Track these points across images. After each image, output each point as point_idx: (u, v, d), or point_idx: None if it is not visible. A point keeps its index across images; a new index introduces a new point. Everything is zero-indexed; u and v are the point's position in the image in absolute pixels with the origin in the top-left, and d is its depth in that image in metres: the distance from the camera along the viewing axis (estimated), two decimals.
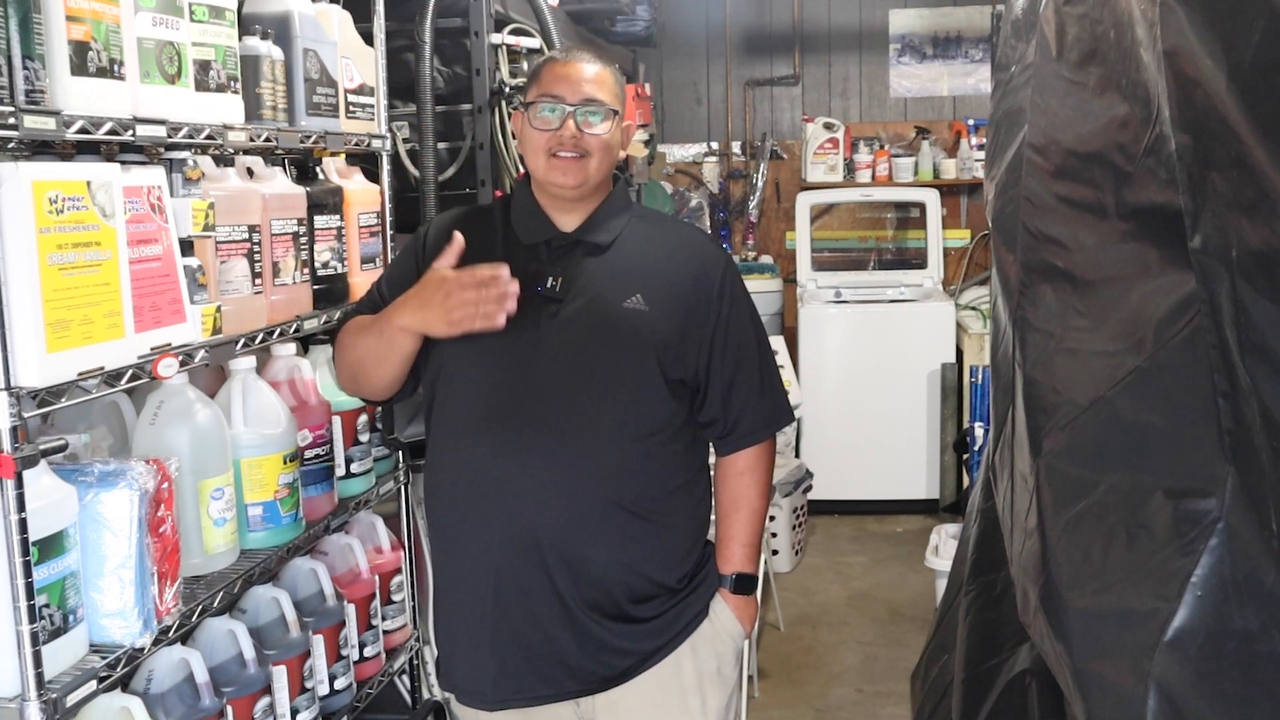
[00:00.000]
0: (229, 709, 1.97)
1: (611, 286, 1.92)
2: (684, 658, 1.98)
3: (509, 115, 2.97)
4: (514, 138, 2.29)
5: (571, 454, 1.87)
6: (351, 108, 2.49)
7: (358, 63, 2.52)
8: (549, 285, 1.90)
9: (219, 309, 1.97)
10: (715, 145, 6.51)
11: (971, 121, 6.22)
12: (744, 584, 2.04)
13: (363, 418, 2.53)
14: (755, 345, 2.02)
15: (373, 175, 2.68)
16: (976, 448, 5.01)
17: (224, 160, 2.16)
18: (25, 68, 1.55)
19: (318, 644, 2.31)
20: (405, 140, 3.01)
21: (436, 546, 2.02)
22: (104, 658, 1.69)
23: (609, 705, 1.96)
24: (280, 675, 2.15)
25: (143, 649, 1.76)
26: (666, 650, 1.97)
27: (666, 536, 1.96)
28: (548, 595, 1.89)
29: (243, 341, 2.07)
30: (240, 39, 2.08)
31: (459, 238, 1.91)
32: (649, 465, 1.92)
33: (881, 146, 6.29)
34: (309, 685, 2.23)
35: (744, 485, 2.04)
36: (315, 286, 2.36)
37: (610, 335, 1.90)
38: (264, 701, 2.06)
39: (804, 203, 6.07)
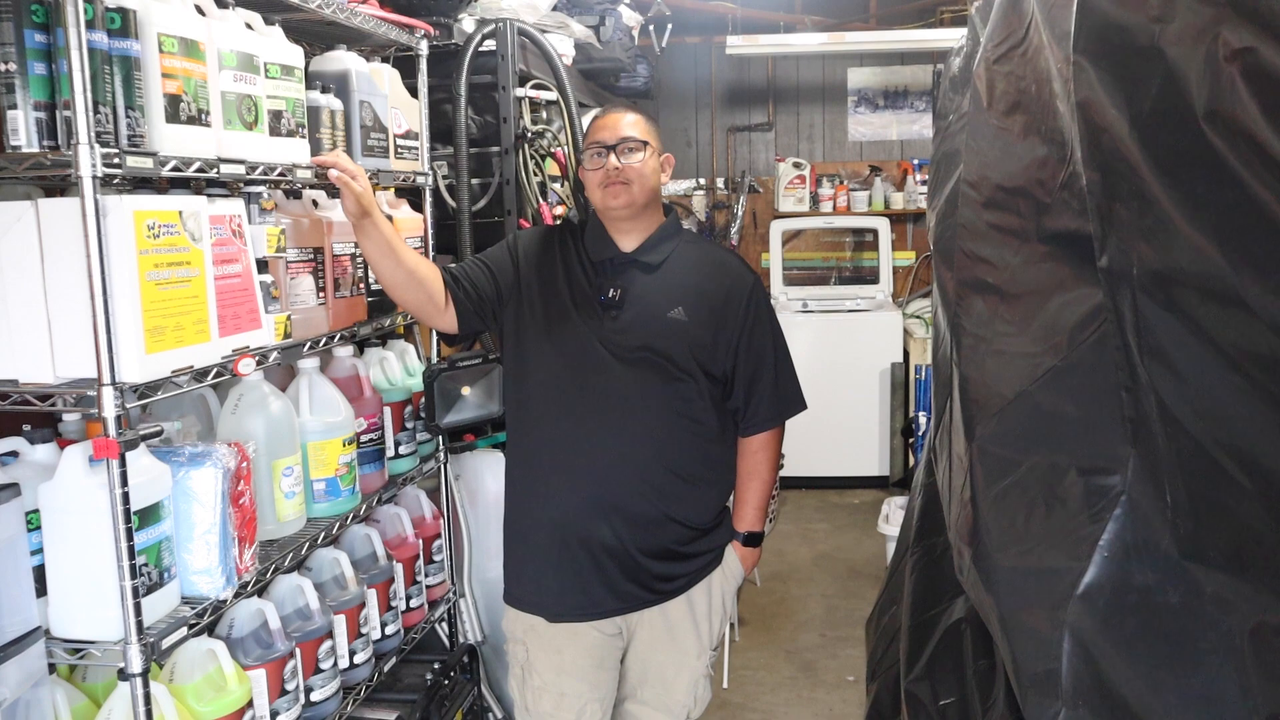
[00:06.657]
0: (298, 650, 1.97)
1: (659, 299, 2.04)
2: (700, 592, 2.14)
3: (530, 156, 2.97)
4: (578, 184, 2.56)
5: (633, 429, 2.00)
6: (399, 149, 2.49)
7: (405, 112, 2.51)
8: (610, 295, 2.04)
9: (289, 317, 1.97)
10: (702, 181, 6.50)
11: (916, 161, 6.21)
12: (753, 539, 2.21)
13: (409, 408, 2.53)
14: (773, 350, 2.14)
15: (417, 206, 2.68)
16: (921, 433, 5.00)
17: (293, 193, 2.16)
18: (127, 116, 1.55)
19: (371, 597, 2.30)
20: (444, 177, 3.01)
21: (512, 495, 2.15)
22: (193, 608, 1.70)
23: (642, 622, 2.12)
24: (340, 623, 2.15)
25: (225, 600, 1.76)
26: (695, 579, 2.12)
27: (704, 492, 2.10)
28: (608, 539, 2.02)
29: (309, 344, 2.07)
30: (306, 92, 2.08)
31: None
32: (693, 438, 2.05)
33: (841, 182, 6.28)
34: (364, 631, 2.23)
35: (758, 461, 2.17)
36: (369, 299, 2.35)
37: (659, 337, 2.02)
38: (327, 644, 2.06)
39: (776, 229, 6.07)
